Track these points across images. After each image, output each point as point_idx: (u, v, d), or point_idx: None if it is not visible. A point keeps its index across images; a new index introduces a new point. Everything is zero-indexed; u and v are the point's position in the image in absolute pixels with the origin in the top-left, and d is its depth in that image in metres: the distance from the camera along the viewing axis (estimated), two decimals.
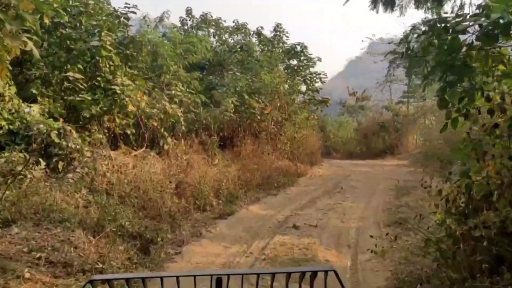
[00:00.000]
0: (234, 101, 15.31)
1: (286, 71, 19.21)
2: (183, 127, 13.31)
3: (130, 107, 11.21)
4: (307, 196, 11.70)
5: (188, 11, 22.53)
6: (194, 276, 1.49)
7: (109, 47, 11.27)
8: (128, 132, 11.86)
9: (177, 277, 1.50)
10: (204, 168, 12.17)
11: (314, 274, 1.43)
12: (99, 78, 11.35)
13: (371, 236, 6.41)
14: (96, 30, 11.28)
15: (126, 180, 8.68)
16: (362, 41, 29.91)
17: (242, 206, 10.05)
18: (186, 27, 22.64)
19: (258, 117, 16.15)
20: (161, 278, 1.49)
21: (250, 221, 8.90)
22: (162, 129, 12.73)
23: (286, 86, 18.45)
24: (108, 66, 11.51)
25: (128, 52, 12.42)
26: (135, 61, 13.14)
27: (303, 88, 19.41)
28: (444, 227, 4.91)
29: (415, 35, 4.86)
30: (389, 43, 30.21)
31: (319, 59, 19.70)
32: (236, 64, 18.34)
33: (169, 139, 12.70)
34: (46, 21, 7.63)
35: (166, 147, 12.53)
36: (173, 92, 13.28)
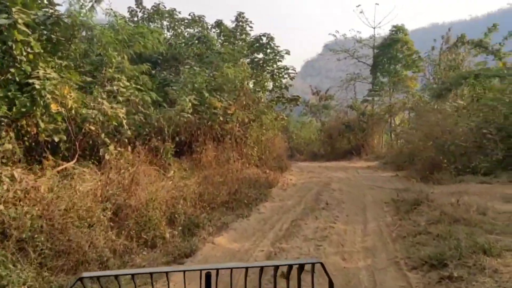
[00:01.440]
0: (192, 100, 12.41)
1: (251, 65, 16.44)
2: (128, 132, 10.34)
3: (53, 107, 8.14)
4: (287, 215, 9.00)
5: (138, 1, 19.41)
6: (184, 271, 1.47)
7: (24, 28, 8.16)
8: (56, 139, 8.78)
9: (167, 273, 1.51)
10: (155, 184, 9.31)
11: (301, 267, 1.40)
12: (13, 70, 8.24)
13: None
14: (2, 6, 8.14)
15: (33, 214, 5.63)
16: (329, 34, 27.40)
17: (206, 238, 7.20)
18: (136, 19, 19.52)
19: (221, 118, 13.32)
20: (151, 274, 1.49)
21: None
22: (103, 135, 9.78)
23: (252, 83, 15.73)
24: (25, 54, 8.39)
25: (53, 36, 9.29)
26: (65, 49, 10.03)
27: (270, 85, 16.69)
28: None
29: None
30: (358, 41, 28.46)
31: (288, 52, 17.05)
32: (194, 58, 15.43)
33: (111, 147, 9.74)
34: None
35: (107, 157, 9.56)
36: (115, 88, 10.23)
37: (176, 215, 7.87)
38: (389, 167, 18.16)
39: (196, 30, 18.84)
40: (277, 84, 16.89)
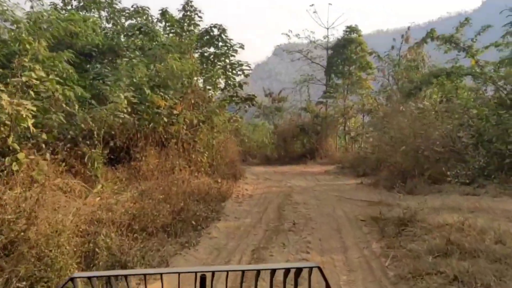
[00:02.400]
0: (130, 97, 10.11)
1: (201, 59, 14.24)
2: (44, 135, 7.98)
3: None
4: (246, 242, 6.95)
5: None
6: (179, 273, 1.42)
7: None
8: None
9: (161, 274, 1.46)
10: (71, 204, 7.07)
11: (298, 270, 1.34)
12: None
13: None
14: None
15: None
16: (282, 34, 25.76)
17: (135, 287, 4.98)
18: (70, 8, 16.82)
19: (165, 119, 11.09)
20: (144, 275, 1.46)
21: None
22: (10, 139, 7.43)
23: (202, 80, 13.58)
24: None
25: None
26: None
27: (222, 82, 14.56)
28: None
29: None
30: (312, 42, 26.92)
31: (242, 46, 14.98)
32: (135, 51, 13.04)
33: (21, 155, 7.37)
34: None
35: (14, 168, 7.22)
36: (25, 80, 7.78)
37: (96, 250, 5.62)
38: (349, 173, 16.61)
39: (138, 21, 16.41)
40: (230, 81, 14.81)
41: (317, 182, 14.20)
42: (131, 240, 6.17)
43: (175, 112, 11.24)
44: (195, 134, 12.09)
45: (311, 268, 1.33)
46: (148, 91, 10.83)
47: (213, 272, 1.40)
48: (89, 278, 1.40)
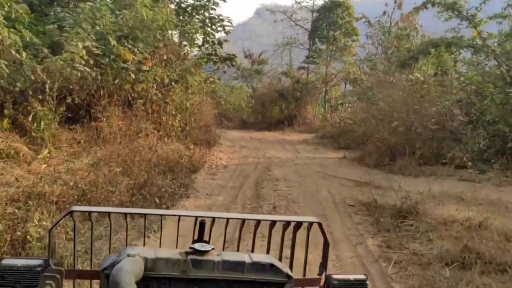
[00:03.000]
0: (91, 47, 8.58)
1: (177, 10, 12.60)
2: None
3: None
4: (217, 229, 5.74)
5: None
6: (179, 216, 1.38)
7: None
8: None
9: (161, 215, 1.46)
10: (9, 172, 5.75)
11: (298, 224, 1.30)
12: None
13: None
14: None
15: None
16: None
17: None
18: None
19: (133, 75, 9.61)
20: (145, 215, 1.43)
21: None
22: None
23: (177, 34, 12.02)
24: None
25: None
26: None
27: (200, 38, 13.00)
28: None
29: None
30: (297, 2, 25.22)
31: None
32: None
33: None
34: None
35: None
36: None
37: (28, 238, 4.36)
38: (329, 143, 15.62)
39: None
40: (208, 38, 13.24)
41: (297, 153, 13.09)
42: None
43: (144, 68, 9.75)
44: (167, 94, 10.66)
45: (311, 223, 1.28)
46: (113, 42, 9.25)
47: (213, 218, 1.35)
48: (89, 213, 1.27)
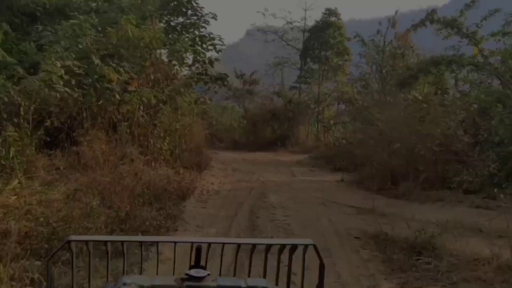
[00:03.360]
0: (73, 66, 7.91)
1: (167, 29, 11.99)
2: None
3: None
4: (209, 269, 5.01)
5: None
6: (175, 242, 1.39)
7: None
8: None
9: (157, 242, 1.47)
10: None
11: (293, 247, 1.33)
12: None
13: None
14: None
15: None
16: (257, 12, 23.72)
17: None
18: None
19: (118, 96, 8.93)
20: (141, 243, 1.44)
21: None
22: None
23: (166, 52, 11.40)
24: None
25: None
26: None
27: (190, 57, 12.38)
28: None
29: None
30: (289, 22, 24.95)
31: (214, 17, 12.78)
32: (87, 12, 10.67)
33: None
34: None
35: None
36: None
37: None
38: (323, 165, 14.93)
39: None
40: (199, 57, 12.63)
41: (292, 176, 12.41)
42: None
43: (130, 88, 9.08)
44: (155, 116, 9.97)
45: (306, 246, 1.31)
46: (97, 61, 8.60)
47: (209, 244, 1.37)
48: (86, 242, 1.33)
